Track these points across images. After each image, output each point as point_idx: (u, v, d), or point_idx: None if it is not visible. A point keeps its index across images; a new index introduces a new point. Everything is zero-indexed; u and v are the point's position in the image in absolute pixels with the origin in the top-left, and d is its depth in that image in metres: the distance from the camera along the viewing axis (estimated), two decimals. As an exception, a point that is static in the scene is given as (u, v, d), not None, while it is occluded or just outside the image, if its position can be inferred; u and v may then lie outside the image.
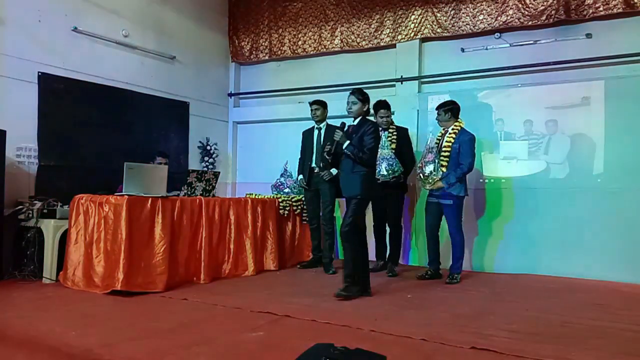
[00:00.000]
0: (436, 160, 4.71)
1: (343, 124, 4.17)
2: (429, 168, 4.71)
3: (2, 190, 4.52)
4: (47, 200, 4.66)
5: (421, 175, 4.77)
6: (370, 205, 5.51)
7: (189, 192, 4.84)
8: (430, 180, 4.71)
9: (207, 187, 4.99)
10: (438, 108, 4.91)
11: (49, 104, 5.17)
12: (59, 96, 5.26)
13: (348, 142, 4.02)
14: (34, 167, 5.03)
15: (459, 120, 4.84)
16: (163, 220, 4.27)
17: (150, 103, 6.28)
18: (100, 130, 5.66)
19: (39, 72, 5.09)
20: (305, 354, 2.20)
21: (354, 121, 4.15)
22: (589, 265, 5.04)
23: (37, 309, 3.50)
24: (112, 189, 4.70)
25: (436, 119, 4.94)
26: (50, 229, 4.51)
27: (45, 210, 4.60)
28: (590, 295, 4.30)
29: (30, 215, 4.58)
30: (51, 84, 5.20)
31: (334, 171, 5.09)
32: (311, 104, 5.50)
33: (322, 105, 5.48)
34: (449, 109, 4.83)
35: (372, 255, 5.69)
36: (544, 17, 5.40)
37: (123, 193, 4.19)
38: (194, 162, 6.93)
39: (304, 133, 5.63)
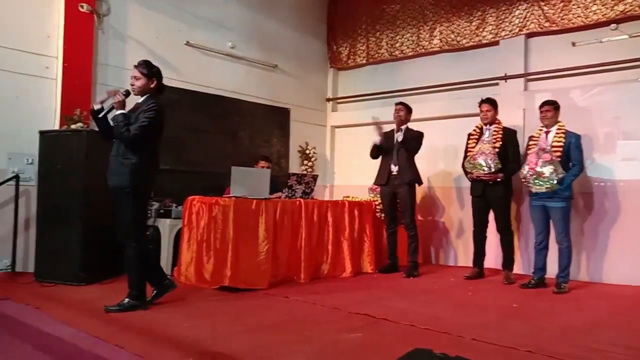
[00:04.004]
0: (554, 161, 4.43)
1: (128, 91, 3.57)
2: (548, 169, 4.41)
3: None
4: (163, 201, 5.06)
5: (536, 176, 4.48)
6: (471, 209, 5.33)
7: (290, 195, 5.03)
8: (550, 183, 4.41)
9: (307, 190, 5.15)
10: (546, 104, 4.66)
11: (165, 113, 5.60)
12: (174, 105, 5.69)
13: (122, 111, 3.45)
14: (152, 171, 5.49)
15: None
16: (266, 221, 4.47)
17: (254, 110, 6.62)
18: (209, 137, 6.07)
19: (157, 84, 5.58)
20: (404, 358, 2.20)
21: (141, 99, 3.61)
22: None
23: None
24: (219, 190, 5.01)
25: (544, 117, 4.66)
26: (166, 228, 4.88)
27: (162, 211, 4.99)
28: None
29: (150, 215, 5.00)
30: (167, 95, 5.62)
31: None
32: (397, 104, 5.49)
33: (407, 108, 5.47)
34: (558, 107, 4.64)
35: (469, 261, 5.50)
36: (670, 3, 4.89)
37: (230, 195, 4.45)
38: (294, 166, 7.16)
39: (385, 134, 5.52)
